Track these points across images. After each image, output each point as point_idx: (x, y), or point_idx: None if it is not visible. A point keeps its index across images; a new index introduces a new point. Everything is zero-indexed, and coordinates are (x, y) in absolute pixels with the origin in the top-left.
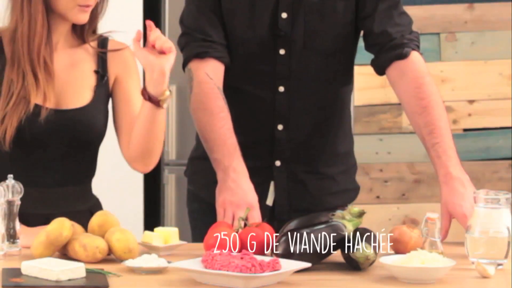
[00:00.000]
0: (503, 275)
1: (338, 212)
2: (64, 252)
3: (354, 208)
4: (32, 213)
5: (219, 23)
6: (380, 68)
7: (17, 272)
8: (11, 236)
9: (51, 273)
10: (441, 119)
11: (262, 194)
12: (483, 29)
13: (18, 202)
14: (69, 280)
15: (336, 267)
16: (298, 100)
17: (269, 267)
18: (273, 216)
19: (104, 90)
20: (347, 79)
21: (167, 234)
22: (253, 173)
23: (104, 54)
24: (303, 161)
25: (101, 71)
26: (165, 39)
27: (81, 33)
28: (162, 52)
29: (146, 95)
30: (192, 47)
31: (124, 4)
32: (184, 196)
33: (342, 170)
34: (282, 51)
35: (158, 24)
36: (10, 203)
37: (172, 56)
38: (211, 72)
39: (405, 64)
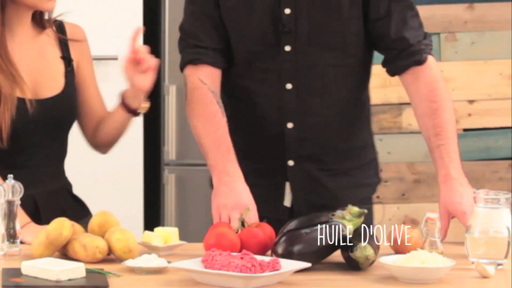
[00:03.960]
0: (503, 275)
1: (338, 212)
2: (64, 252)
3: (354, 208)
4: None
5: (214, 27)
6: (395, 72)
7: (17, 272)
8: (11, 236)
9: (51, 273)
10: (449, 123)
11: (278, 195)
12: (483, 29)
13: (18, 202)
14: (69, 280)
15: (336, 267)
16: (307, 97)
17: (269, 267)
18: (292, 216)
19: (72, 75)
20: (361, 74)
21: (167, 234)
22: (266, 174)
23: (65, 39)
24: (314, 158)
25: (67, 56)
26: (149, 57)
27: (41, 19)
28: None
29: (125, 107)
30: (186, 53)
31: (124, 4)
32: (184, 196)
33: (357, 165)
34: (287, 48)
35: (158, 24)
36: (10, 203)
37: (154, 75)
38: (205, 78)
39: (421, 69)
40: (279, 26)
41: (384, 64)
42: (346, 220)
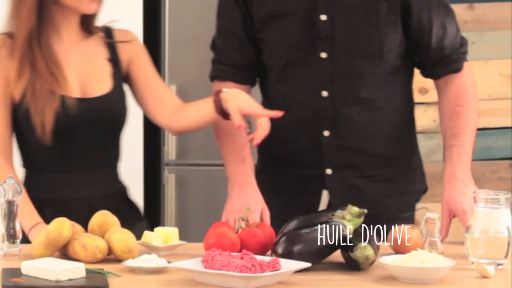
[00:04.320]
0: (503, 275)
1: (338, 212)
2: (64, 252)
3: (354, 208)
4: (75, 199)
5: (240, 45)
6: (430, 76)
7: (17, 272)
8: (11, 236)
9: (51, 273)
10: (468, 127)
11: (314, 204)
12: (483, 29)
13: (18, 202)
14: (69, 280)
15: (336, 267)
16: (344, 104)
17: (269, 267)
18: None
19: (120, 76)
20: (400, 80)
21: (167, 234)
22: (304, 182)
23: (113, 43)
24: (353, 165)
25: (114, 58)
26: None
27: (88, 26)
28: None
29: (218, 107)
30: (213, 68)
31: (124, 4)
32: (184, 196)
33: (400, 172)
34: (323, 55)
35: (158, 24)
36: (10, 203)
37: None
38: None
39: (455, 75)
40: (315, 32)
41: (419, 66)
42: (346, 220)
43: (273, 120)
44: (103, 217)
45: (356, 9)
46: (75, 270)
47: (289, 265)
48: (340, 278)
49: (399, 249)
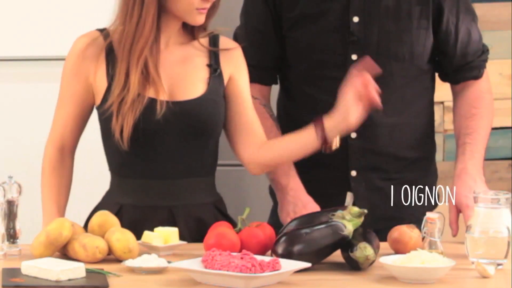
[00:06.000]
0: (503, 275)
1: (338, 212)
2: (64, 252)
3: (354, 208)
4: (156, 206)
5: (267, 44)
6: (449, 81)
7: (17, 272)
8: (11, 236)
9: (51, 273)
10: (482, 129)
11: (339, 205)
12: (483, 29)
13: (18, 202)
14: (69, 280)
15: (336, 267)
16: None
17: (269, 267)
18: None
19: (218, 82)
20: (426, 84)
21: (167, 234)
22: (329, 184)
23: (215, 51)
24: (377, 168)
25: (214, 65)
26: (374, 92)
27: (192, 30)
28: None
29: (320, 132)
30: None
31: None
32: None
33: (422, 175)
34: (354, 57)
35: None
36: (10, 203)
37: (365, 113)
38: (256, 94)
39: (474, 81)
40: (346, 34)
41: (439, 70)
42: (346, 220)
43: (299, 119)
44: (103, 217)
45: (390, 12)
46: (75, 270)
47: (289, 265)
48: (340, 278)
49: (399, 249)
